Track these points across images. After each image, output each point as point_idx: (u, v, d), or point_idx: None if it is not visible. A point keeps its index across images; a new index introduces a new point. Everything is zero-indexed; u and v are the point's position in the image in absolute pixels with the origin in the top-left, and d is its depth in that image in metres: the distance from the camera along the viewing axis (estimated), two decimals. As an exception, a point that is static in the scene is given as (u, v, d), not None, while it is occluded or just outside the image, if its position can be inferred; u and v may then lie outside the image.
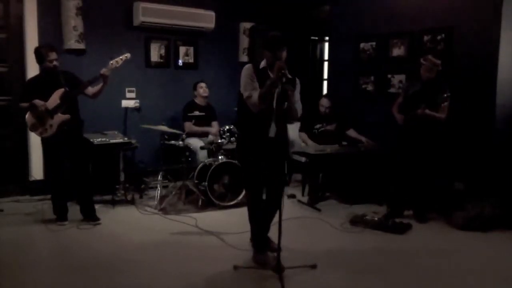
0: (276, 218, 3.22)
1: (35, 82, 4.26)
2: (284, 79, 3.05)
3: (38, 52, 4.20)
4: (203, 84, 5.77)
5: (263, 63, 3.42)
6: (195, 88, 5.79)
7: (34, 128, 4.21)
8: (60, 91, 4.16)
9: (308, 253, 3.69)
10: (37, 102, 4.11)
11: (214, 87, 6.10)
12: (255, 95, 3.24)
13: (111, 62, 4.27)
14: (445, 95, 4.29)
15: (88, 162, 4.51)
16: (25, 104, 4.16)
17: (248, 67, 3.42)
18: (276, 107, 3.04)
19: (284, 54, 3.28)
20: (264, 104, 3.17)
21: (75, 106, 4.33)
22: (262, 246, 3.56)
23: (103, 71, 4.21)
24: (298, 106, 3.43)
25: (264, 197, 3.52)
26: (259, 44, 3.49)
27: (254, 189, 3.53)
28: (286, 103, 3.17)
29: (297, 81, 3.49)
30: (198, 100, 5.76)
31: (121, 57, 4.31)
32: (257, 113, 3.29)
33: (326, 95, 5.72)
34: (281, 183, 3.45)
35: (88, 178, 4.43)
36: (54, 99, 4.14)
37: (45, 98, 4.13)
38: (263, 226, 3.60)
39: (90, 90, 4.34)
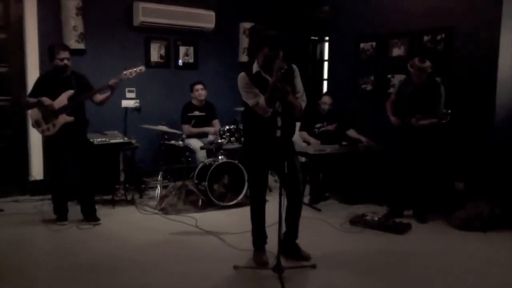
0: (276, 218, 3.22)
1: (46, 79, 4.25)
2: (282, 77, 3.05)
3: (49, 50, 4.20)
4: (199, 87, 5.63)
5: (255, 67, 3.35)
6: (191, 89, 5.70)
7: (37, 125, 4.21)
8: (69, 92, 4.15)
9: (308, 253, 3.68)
10: (45, 100, 4.11)
11: (214, 87, 6.10)
12: (261, 100, 3.21)
13: (125, 72, 4.22)
14: (445, 112, 4.19)
15: (90, 163, 4.51)
16: (32, 100, 4.17)
17: (242, 77, 3.35)
18: (279, 107, 3.04)
19: (280, 53, 3.23)
20: (273, 107, 3.16)
21: (82, 107, 4.33)
22: (262, 245, 3.55)
23: (113, 82, 4.15)
24: (302, 96, 3.38)
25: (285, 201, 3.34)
26: (258, 43, 3.43)
27: (258, 189, 3.51)
28: (278, 103, 3.15)
29: (295, 68, 3.39)
30: (195, 101, 5.69)
31: (135, 69, 4.25)
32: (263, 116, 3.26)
33: (328, 93, 5.72)
34: (296, 183, 3.44)
35: (90, 178, 4.42)
36: (62, 100, 4.13)
37: (53, 97, 4.12)
38: (289, 232, 3.54)
39: (98, 97, 4.32)
